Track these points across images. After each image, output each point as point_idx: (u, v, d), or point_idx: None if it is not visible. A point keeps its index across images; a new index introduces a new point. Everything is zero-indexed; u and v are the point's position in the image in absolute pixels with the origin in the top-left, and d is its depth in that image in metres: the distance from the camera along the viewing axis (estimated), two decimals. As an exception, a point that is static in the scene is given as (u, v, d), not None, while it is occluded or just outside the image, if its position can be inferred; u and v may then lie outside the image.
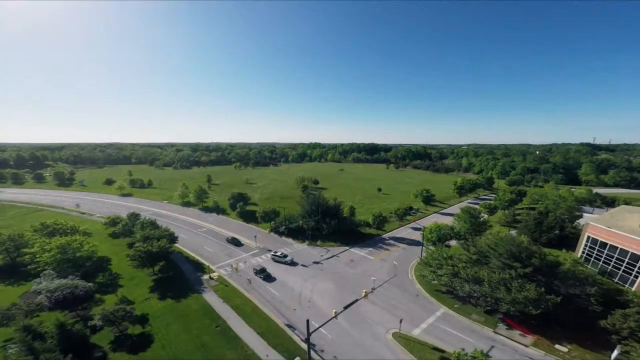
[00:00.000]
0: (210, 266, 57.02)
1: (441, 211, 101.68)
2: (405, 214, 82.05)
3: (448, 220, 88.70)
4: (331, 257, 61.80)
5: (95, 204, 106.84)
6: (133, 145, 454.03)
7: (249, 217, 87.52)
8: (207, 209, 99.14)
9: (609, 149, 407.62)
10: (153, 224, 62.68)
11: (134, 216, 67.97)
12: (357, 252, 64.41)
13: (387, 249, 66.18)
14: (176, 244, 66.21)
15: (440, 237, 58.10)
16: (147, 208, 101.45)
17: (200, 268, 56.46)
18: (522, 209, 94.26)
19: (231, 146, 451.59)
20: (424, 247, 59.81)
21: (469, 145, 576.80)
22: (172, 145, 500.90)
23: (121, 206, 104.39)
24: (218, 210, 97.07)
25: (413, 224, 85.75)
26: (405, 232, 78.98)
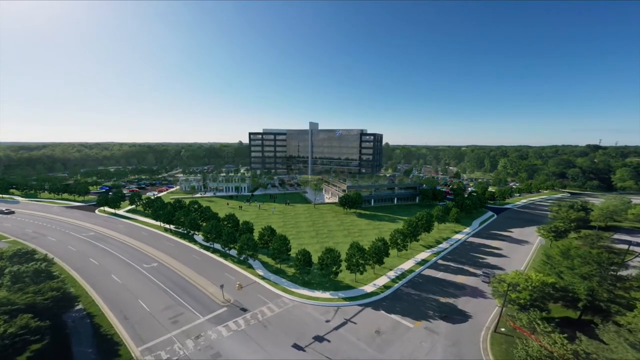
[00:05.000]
0: (133, 350, 32.34)
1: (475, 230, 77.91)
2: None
3: (495, 245, 62.28)
4: (343, 323, 37.35)
5: (21, 220, 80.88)
6: (121, 145, 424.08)
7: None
8: (167, 229, 73.55)
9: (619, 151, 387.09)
10: (43, 274, 36.68)
11: (20, 256, 40.91)
12: (385, 313, 39.87)
13: (430, 303, 41.86)
14: (94, 294, 41.80)
15: (533, 296, 33.84)
16: (90, 226, 75.98)
17: (112, 353, 31.63)
18: (595, 228, 71.18)
19: (225, 146, 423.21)
20: (502, 310, 35.90)
21: (467, 146, 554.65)
22: (162, 145, 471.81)
23: (56, 223, 78.76)
24: (182, 232, 70.55)
25: (447, 253, 61.77)
26: (444, 272, 54.82)
